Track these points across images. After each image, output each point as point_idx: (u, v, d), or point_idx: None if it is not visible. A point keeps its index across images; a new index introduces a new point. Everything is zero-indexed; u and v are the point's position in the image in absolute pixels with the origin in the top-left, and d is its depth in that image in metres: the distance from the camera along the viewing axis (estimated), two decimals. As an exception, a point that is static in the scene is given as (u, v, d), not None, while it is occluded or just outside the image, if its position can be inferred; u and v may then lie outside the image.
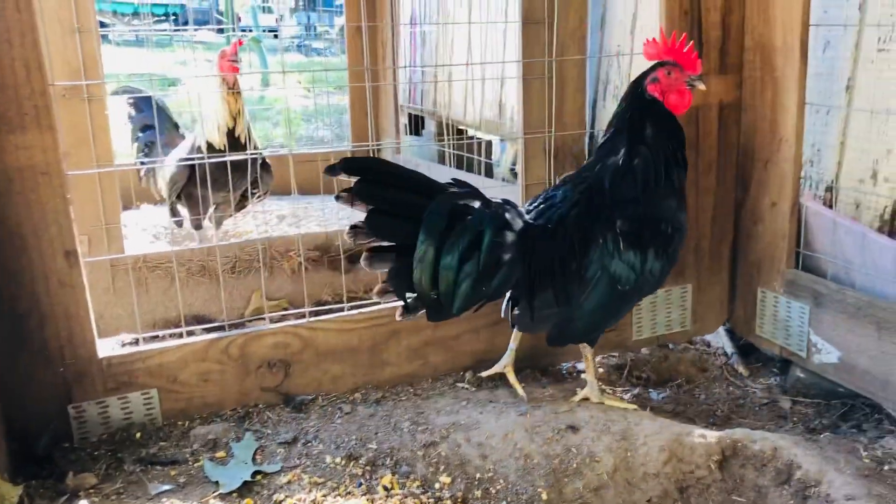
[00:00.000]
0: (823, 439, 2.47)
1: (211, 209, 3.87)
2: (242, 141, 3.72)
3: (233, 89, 3.67)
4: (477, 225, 2.32)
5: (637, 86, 2.51)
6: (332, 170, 2.23)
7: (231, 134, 3.70)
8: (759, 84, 2.91)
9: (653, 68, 2.49)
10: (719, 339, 3.24)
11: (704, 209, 3.05)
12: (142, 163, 4.24)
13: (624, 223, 2.44)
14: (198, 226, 4.02)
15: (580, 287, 2.45)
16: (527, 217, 2.49)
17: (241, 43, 3.92)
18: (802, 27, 2.71)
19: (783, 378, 2.99)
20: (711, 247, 3.12)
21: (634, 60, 4.11)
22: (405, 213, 2.29)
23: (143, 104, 4.27)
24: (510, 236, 2.37)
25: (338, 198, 2.26)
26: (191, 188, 3.73)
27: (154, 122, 4.01)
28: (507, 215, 2.41)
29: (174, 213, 4.13)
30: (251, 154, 3.59)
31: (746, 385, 2.98)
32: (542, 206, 2.54)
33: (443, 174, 4.80)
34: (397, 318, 2.39)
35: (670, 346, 3.20)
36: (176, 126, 4.31)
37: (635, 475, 2.27)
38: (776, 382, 2.98)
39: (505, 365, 2.75)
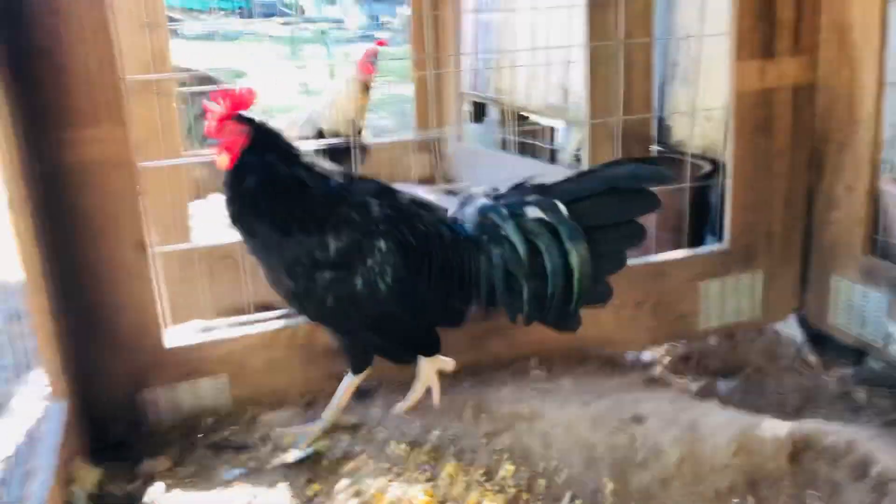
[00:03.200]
0: (902, 433, 2.38)
1: None
2: (359, 131, 4.03)
3: (366, 87, 3.98)
4: None
5: None
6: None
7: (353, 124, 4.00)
8: (834, 64, 2.81)
9: None
10: (790, 327, 3.15)
11: (776, 194, 2.96)
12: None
13: None
14: None
15: None
16: None
17: (382, 44, 4.26)
18: (882, 3, 2.61)
19: (858, 369, 2.89)
20: (783, 233, 3.03)
21: (704, 43, 4.01)
22: None
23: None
24: None
25: None
26: None
27: None
28: None
29: None
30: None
31: (818, 375, 2.89)
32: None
33: (505, 161, 4.82)
34: None
35: (738, 334, 3.12)
36: None
37: (702, 467, 2.22)
38: (850, 373, 2.88)
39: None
